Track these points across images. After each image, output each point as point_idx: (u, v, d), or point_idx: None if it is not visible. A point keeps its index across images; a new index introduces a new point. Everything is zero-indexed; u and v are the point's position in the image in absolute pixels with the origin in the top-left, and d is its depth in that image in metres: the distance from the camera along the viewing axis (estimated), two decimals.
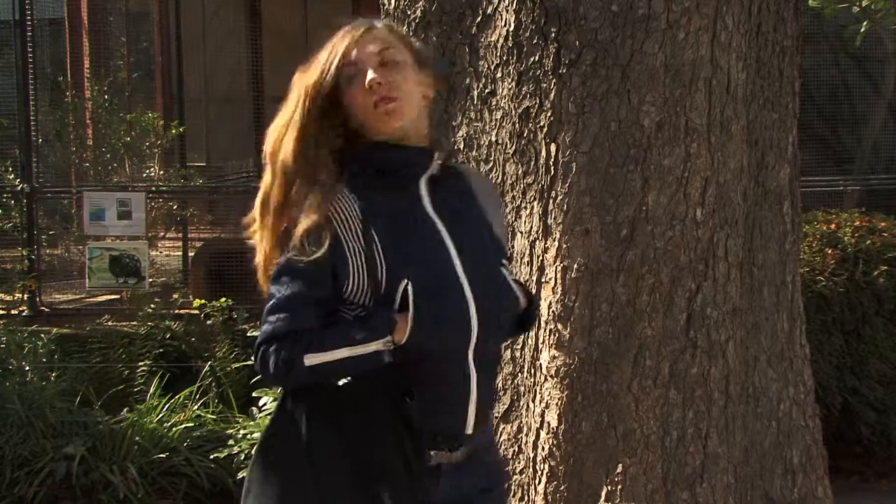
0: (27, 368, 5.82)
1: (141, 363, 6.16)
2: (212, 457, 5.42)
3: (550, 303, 2.94)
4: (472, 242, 2.23)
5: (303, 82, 2.26)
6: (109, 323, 6.68)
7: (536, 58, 2.94)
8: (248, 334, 6.09)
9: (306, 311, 2.16)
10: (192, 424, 5.63)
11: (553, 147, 2.93)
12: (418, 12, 3.10)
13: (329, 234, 2.14)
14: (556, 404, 2.98)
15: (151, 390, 5.85)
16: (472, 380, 2.20)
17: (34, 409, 5.55)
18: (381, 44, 2.22)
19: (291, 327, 2.15)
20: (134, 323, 6.53)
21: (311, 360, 2.13)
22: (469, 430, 2.21)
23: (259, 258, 2.30)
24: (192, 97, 10.12)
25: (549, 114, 2.92)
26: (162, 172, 8.60)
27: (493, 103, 2.95)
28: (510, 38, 2.93)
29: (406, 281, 2.15)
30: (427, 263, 2.18)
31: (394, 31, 2.29)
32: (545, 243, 2.97)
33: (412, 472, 2.14)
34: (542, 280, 2.98)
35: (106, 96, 8.56)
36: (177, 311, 6.67)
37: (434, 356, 2.18)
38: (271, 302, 2.19)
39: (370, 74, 2.18)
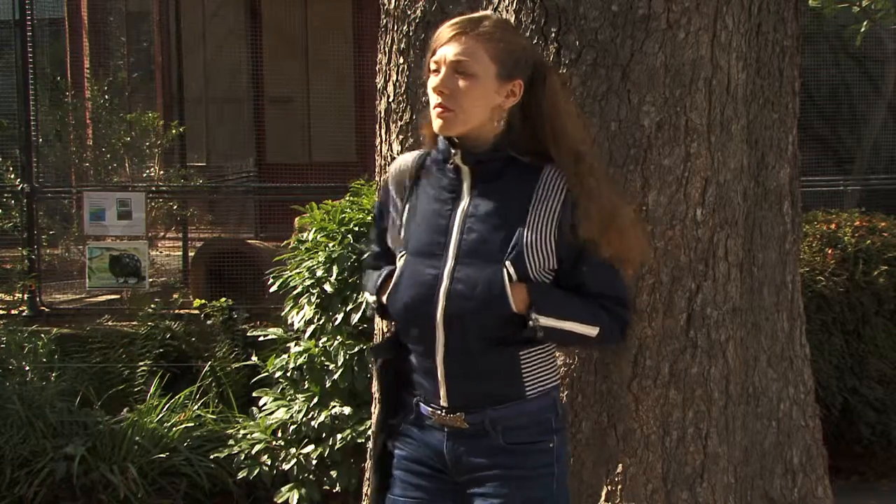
0: (27, 368, 5.82)
1: (141, 363, 6.16)
2: (212, 457, 5.42)
3: None
4: (480, 235, 2.44)
5: None
6: (109, 323, 6.68)
7: None
8: (248, 334, 6.09)
9: (371, 247, 2.72)
10: (192, 424, 5.63)
11: None
12: (418, 12, 3.09)
13: (384, 188, 2.61)
14: None
15: (151, 390, 5.85)
16: (437, 353, 2.45)
17: (34, 409, 5.55)
18: (462, 52, 2.41)
19: (367, 252, 2.79)
20: (134, 323, 6.53)
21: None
22: (442, 402, 2.48)
23: None
24: (192, 97, 10.11)
25: None
26: (162, 172, 8.60)
27: None
28: None
29: (403, 252, 2.51)
30: (427, 239, 2.48)
31: (490, 41, 2.42)
32: None
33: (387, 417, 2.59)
34: None
35: (106, 96, 8.56)
36: (177, 311, 6.67)
37: (408, 322, 2.50)
38: None
39: (438, 80, 2.43)
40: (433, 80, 2.44)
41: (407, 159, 2.59)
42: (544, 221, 2.43)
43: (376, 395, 2.67)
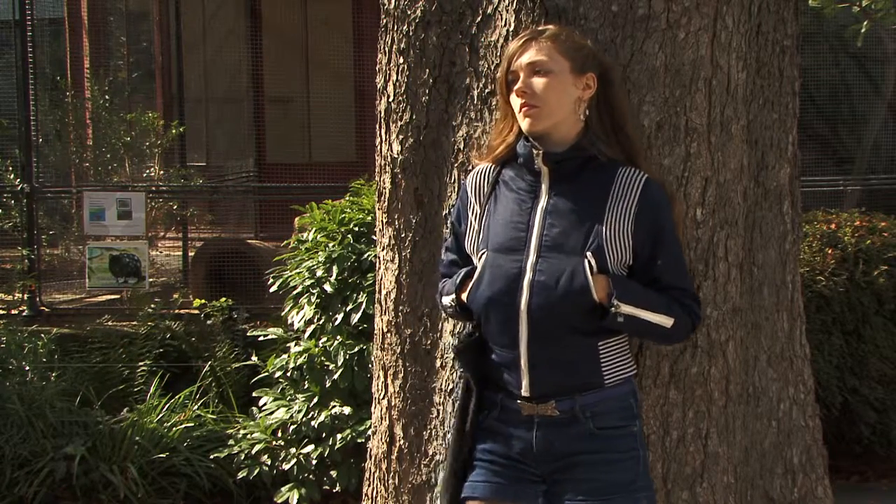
0: (27, 368, 5.82)
1: (141, 363, 6.16)
2: (212, 457, 5.42)
3: None
4: (561, 230, 2.58)
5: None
6: (109, 323, 6.68)
7: None
8: (248, 334, 6.10)
9: (446, 255, 2.83)
10: (192, 424, 5.63)
11: None
12: (418, 12, 3.09)
13: (463, 193, 2.76)
14: None
15: (151, 390, 5.85)
16: (520, 344, 2.56)
17: (34, 409, 5.55)
18: (536, 55, 2.62)
19: (440, 269, 2.87)
20: (134, 323, 6.53)
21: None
22: (524, 392, 2.57)
23: None
24: (192, 97, 10.11)
25: None
26: (162, 172, 8.60)
27: (493, 103, 2.95)
28: (510, 38, 2.93)
29: (485, 251, 2.64)
30: (508, 236, 2.62)
31: (557, 41, 2.64)
32: None
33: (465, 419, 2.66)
34: None
35: (106, 96, 8.56)
36: (177, 311, 6.67)
37: (491, 315, 2.60)
38: None
39: (519, 83, 2.62)
40: (513, 90, 2.63)
41: (486, 167, 2.75)
42: (622, 216, 2.59)
43: (457, 403, 2.73)
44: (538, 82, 2.60)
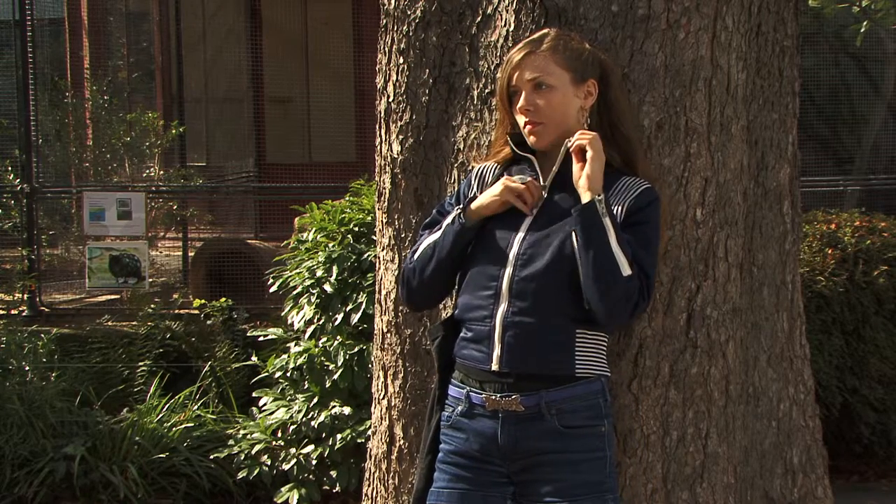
0: (27, 368, 5.83)
1: (141, 363, 6.16)
2: (212, 457, 5.42)
3: None
4: (555, 212, 2.62)
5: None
6: (109, 323, 6.68)
7: None
8: (249, 334, 6.10)
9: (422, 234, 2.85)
10: (192, 424, 5.64)
11: None
12: (418, 12, 3.09)
13: (466, 182, 2.82)
14: None
15: (151, 390, 5.86)
16: (496, 315, 2.57)
17: (34, 409, 5.55)
18: (535, 71, 2.64)
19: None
20: (134, 323, 6.54)
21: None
22: (493, 365, 2.56)
23: None
24: (192, 97, 10.12)
25: None
26: (162, 172, 8.61)
27: (493, 103, 2.95)
28: (510, 38, 2.93)
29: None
30: (502, 217, 2.65)
31: (555, 52, 2.65)
32: None
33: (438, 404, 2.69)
34: None
35: (106, 96, 8.56)
36: (177, 311, 6.67)
37: (474, 287, 2.62)
38: None
39: (522, 101, 2.65)
40: (516, 105, 2.66)
41: (493, 164, 2.80)
42: (616, 209, 2.60)
43: (434, 381, 2.77)
44: (540, 100, 2.63)
